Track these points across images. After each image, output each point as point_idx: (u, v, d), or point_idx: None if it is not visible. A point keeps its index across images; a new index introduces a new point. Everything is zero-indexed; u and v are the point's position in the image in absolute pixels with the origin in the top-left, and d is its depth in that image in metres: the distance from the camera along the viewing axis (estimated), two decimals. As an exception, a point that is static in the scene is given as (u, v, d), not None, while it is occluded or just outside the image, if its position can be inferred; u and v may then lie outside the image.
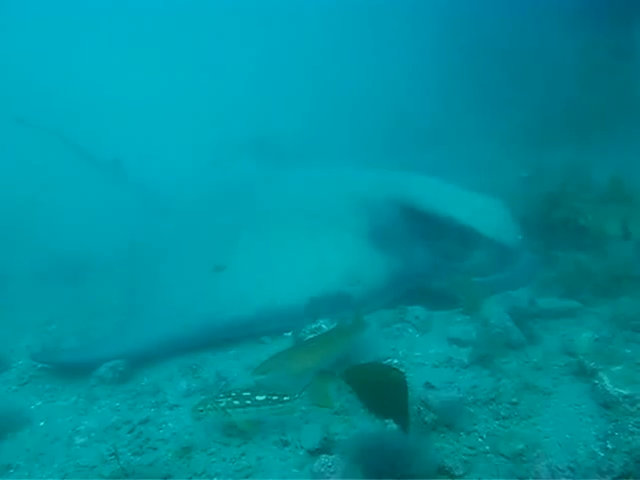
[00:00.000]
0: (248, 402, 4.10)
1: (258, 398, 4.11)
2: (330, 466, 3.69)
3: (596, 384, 4.40)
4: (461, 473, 3.72)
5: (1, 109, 11.33)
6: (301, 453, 4.03)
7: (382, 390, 4.06)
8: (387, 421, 4.15)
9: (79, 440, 4.43)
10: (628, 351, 4.97)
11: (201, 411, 4.13)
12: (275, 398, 4.11)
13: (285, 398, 4.11)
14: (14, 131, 10.51)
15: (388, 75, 15.41)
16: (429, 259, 6.48)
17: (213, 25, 21.81)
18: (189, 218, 7.47)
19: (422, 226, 6.52)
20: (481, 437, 4.12)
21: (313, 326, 5.60)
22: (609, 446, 3.84)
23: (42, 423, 4.74)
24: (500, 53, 14.97)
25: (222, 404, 4.10)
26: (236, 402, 4.10)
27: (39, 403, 5.05)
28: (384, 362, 5.19)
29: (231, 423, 4.19)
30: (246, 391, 4.18)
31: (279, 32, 19.35)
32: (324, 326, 5.55)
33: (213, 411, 4.10)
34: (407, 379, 4.67)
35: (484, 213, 6.61)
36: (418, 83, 14.17)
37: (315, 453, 3.95)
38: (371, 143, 11.00)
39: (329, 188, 7.14)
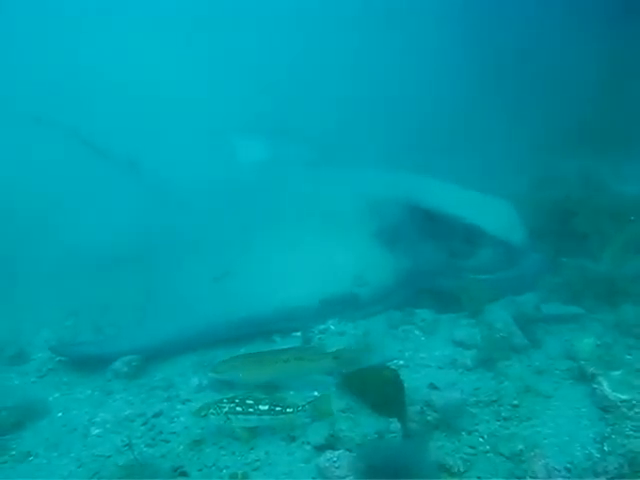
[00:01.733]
0: (251, 410, 4.22)
1: (261, 407, 4.23)
2: (335, 461, 3.83)
3: (595, 388, 4.53)
4: (461, 471, 3.86)
5: (20, 108, 11.53)
6: (308, 448, 4.17)
7: (379, 390, 4.22)
8: (391, 419, 4.30)
9: (95, 431, 4.62)
10: (629, 357, 5.09)
11: (203, 415, 4.26)
12: (278, 409, 4.23)
13: (288, 410, 4.23)
14: (31, 129, 10.69)
15: (407, 76, 15.40)
16: (437, 259, 6.60)
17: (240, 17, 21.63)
18: (203, 216, 7.64)
19: (430, 226, 6.62)
20: (482, 437, 4.26)
21: (322, 326, 5.78)
22: (605, 448, 3.98)
23: (60, 414, 4.94)
24: (521, 58, 14.99)
25: (225, 409, 4.23)
26: (239, 409, 4.22)
27: (57, 395, 5.24)
28: (390, 362, 5.34)
29: (231, 428, 4.28)
30: (249, 399, 4.30)
31: (301, 29, 19.28)
32: (332, 327, 5.73)
33: (215, 415, 4.23)
34: (412, 380, 4.93)
35: (491, 213, 6.71)
36: (436, 85, 14.18)
37: (321, 449, 4.09)
38: (386, 143, 11.05)
39: (338, 189, 7.27)
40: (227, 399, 4.30)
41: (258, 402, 4.25)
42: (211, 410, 4.24)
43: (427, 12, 17.30)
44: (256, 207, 7.37)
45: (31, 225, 8.21)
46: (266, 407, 4.23)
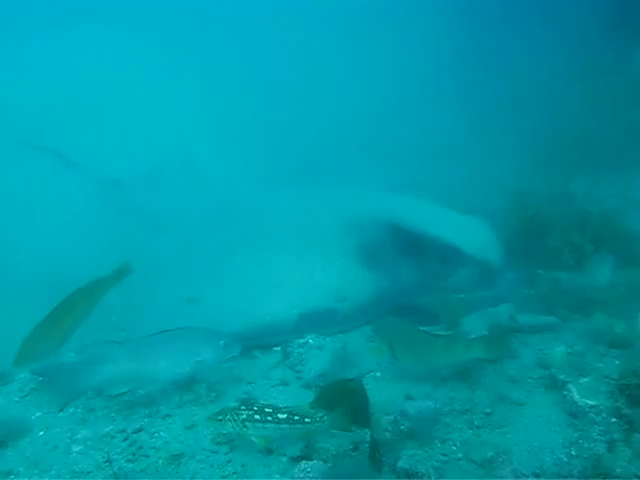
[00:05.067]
0: (269, 418, 4.14)
1: (280, 416, 4.14)
2: (309, 471, 3.93)
3: (565, 395, 4.66)
4: (432, 479, 3.96)
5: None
6: (284, 460, 4.26)
7: (346, 401, 4.28)
8: (365, 430, 4.39)
9: (76, 448, 4.66)
10: (600, 364, 5.23)
11: (220, 420, 4.23)
12: (297, 418, 4.12)
13: (306, 420, 4.13)
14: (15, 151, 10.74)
15: (388, 91, 15.55)
16: (414, 277, 6.73)
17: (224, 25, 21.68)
18: (183, 235, 7.75)
19: (408, 245, 6.77)
20: (455, 445, 4.37)
21: (301, 341, 5.87)
22: (573, 453, 4.09)
23: (42, 432, 4.97)
24: (501, 74, 15.21)
25: (243, 416, 4.17)
26: (257, 416, 4.15)
27: (39, 414, 5.27)
28: (368, 375, 5.46)
29: (246, 436, 4.25)
30: (268, 407, 4.24)
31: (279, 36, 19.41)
32: (311, 341, 5.81)
33: (232, 422, 4.19)
34: (388, 391, 5.05)
35: (468, 233, 6.88)
36: (416, 101, 14.34)
37: (297, 460, 4.17)
38: (369, 160, 11.19)
39: (318, 208, 7.43)
40: (245, 406, 4.26)
41: (277, 411, 4.18)
42: (228, 416, 4.20)
43: (413, 24, 17.52)
44: (238, 225, 7.49)
45: (13, 245, 8.25)
46: (284, 416, 4.14)
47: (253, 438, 4.22)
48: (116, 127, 13.79)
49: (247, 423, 4.17)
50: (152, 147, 11.48)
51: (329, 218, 7.22)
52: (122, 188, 9.61)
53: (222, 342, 5.23)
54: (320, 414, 4.17)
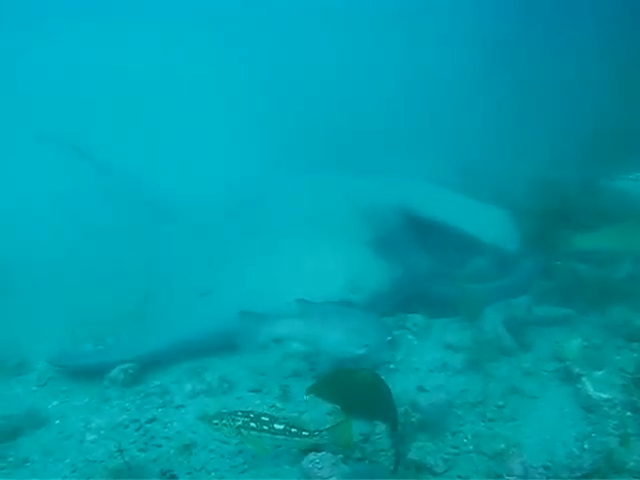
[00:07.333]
0: (265, 427, 4.02)
1: (276, 426, 4.01)
2: (318, 462, 3.93)
3: (579, 388, 4.59)
4: (442, 471, 3.93)
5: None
6: (294, 452, 4.25)
7: (358, 393, 4.22)
8: (376, 422, 4.37)
9: (90, 437, 4.73)
10: (617, 358, 5.14)
11: (216, 424, 4.14)
12: (294, 430, 4.00)
13: (304, 433, 4.00)
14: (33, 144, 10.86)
15: (410, 80, 15.42)
16: (430, 266, 6.66)
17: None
18: (196, 227, 7.77)
19: (423, 233, 6.71)
20: (466, 437, 4.33)
21: (315, 332, 5.85)
22: (586, 446, 4.03)
23: (57, 421, 5.05)
24: (526, 68, 15.00)
25: (238, 422, 4.07)
26: (252, 424, 4.04)
27: (55, 403, 5.36)
28: (381, 367, 5.43)
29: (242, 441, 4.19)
30: (265, 415, 4.12)
31: (283, 31, 19.35)
32: (324, 332, 5.80)
33: (227, 427, 4.10)
34: (401, 383, 5.00)
35: (485, 221, 6.81)
36: (441, 90, 14.20)
37: (306, 452, 4.16)
38: (389, 149, 11.11)
39: (332, 196, 7.37)
40: (242, 412, 4.14)
41: (274, 420, 4.05)
42: (224, 421, 4.09)
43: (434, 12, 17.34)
44: (251, 215, 7.49)
45: (31, 237, 8.36)
46: (281, 427, 4.00)
47: (249, 445, 4.14)
48: (130, 121, 13.88)
49: (242, 430, 4.05)
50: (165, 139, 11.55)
51: (343, 206, 7.16)
52: (135, 180, 9.68)
53: (389, 338, 5.23)
54: (320, 429, 4.02)
